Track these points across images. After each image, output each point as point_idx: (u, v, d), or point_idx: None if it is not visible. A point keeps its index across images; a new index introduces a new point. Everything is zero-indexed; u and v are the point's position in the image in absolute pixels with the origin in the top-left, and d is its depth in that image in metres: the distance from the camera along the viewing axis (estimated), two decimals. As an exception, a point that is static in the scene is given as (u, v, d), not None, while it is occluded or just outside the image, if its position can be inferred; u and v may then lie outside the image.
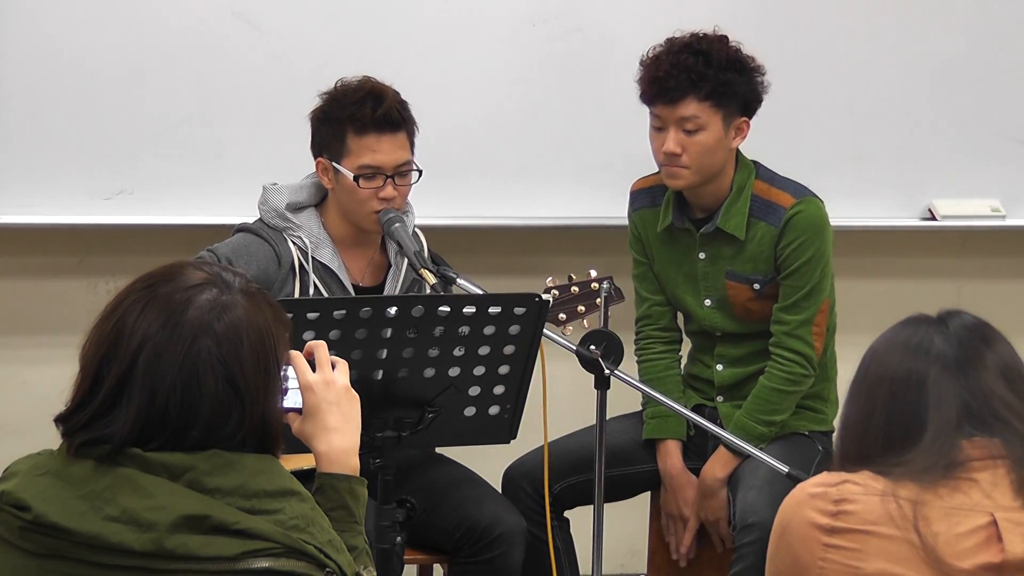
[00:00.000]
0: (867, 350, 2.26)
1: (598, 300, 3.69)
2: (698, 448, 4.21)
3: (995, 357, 2.19)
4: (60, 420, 2.19)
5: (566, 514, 4.22)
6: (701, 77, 3.99)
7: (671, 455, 4.21)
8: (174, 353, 2.15)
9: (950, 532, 2.08)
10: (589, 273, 3.73)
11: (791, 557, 2.14)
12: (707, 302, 4.18)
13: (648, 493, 4.35)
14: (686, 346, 4.36)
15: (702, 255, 4.14)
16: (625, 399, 4.16)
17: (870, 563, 2.09)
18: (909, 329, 2.22)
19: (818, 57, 4.90)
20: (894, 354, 2.19)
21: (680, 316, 4.32)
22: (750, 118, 4.08)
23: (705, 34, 4.08)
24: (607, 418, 3.69)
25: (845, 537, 2.10)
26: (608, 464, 3.71)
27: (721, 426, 4.14)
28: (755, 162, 4.14)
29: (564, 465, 4.08)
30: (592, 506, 3.71)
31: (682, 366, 4.34)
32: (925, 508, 2.09)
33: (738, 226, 4.08)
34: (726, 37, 4.08)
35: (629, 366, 4.06)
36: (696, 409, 4.22)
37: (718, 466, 4.12)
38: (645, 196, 4.23)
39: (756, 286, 4.12)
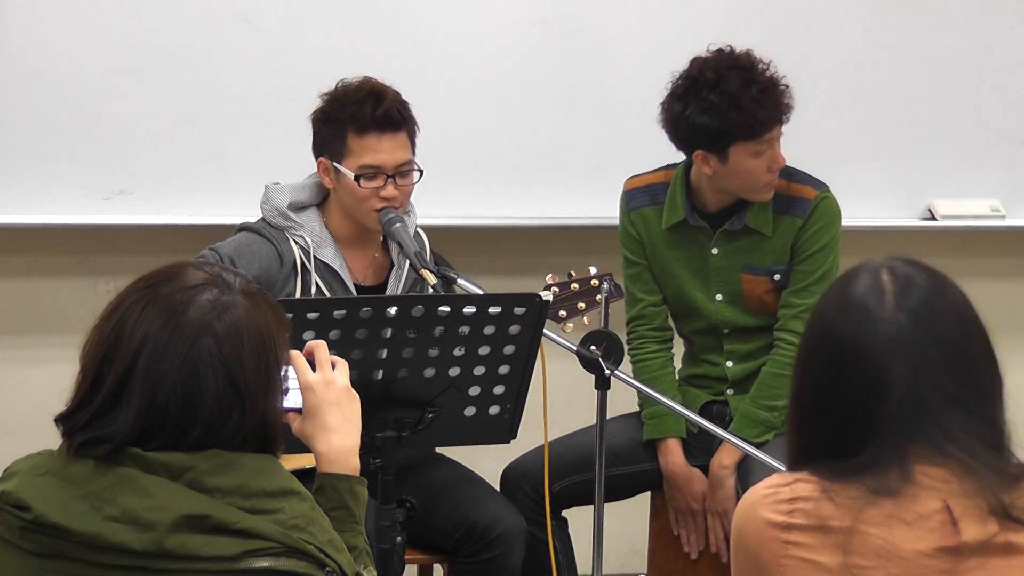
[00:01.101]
0: (819, 313, 2.20)
1: (599, 297, 3.69)
2: (703, 445, 4.22)
3: (953, 333, 2.16)
4: (60, 420, 2.19)
5: (564, 513, 4.22)
6: (788, 90, 4.09)
7: (672, 452, 4.22)
8: (175, 353, 2.15)
9: (903, 518, 2.08)
10: (589, 270, 3.74)
11: (752, 560, 2.14)
12: (718, 297, 4.20)
13: (648, 493, 4.35)
14: (679, 346, 4.37)
15: (715, 250, 4.16)
16: (625, 399, 4.16)
17: (830, 557, 2.09)
18: (870, 298, 2.16)
19: (818, 57, 4.90)
20: (855, 329, 2.14)
21: (672, 317, 4.32)
22: None
23: (748, 52, 4.10)
24: (606, 418, 3.69)
25: (803, 533, 2.10)
26: (608, 463, 3.72)
27: (730, 419, 4.20)
28: None
29: (563, 464, 4.09)
30: (592, 506, 3.71)
31: (676, 368, 4.36)
32: (873, 508, 2.09)
33: (765, 222, 4.13)
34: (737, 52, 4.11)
35: (629, 366, 4.07)
36: (706, 406, 4.25)
37: (724, 454, 4.14)
38: (644, 194, 4.23)
39: (776, 276, 4.15)
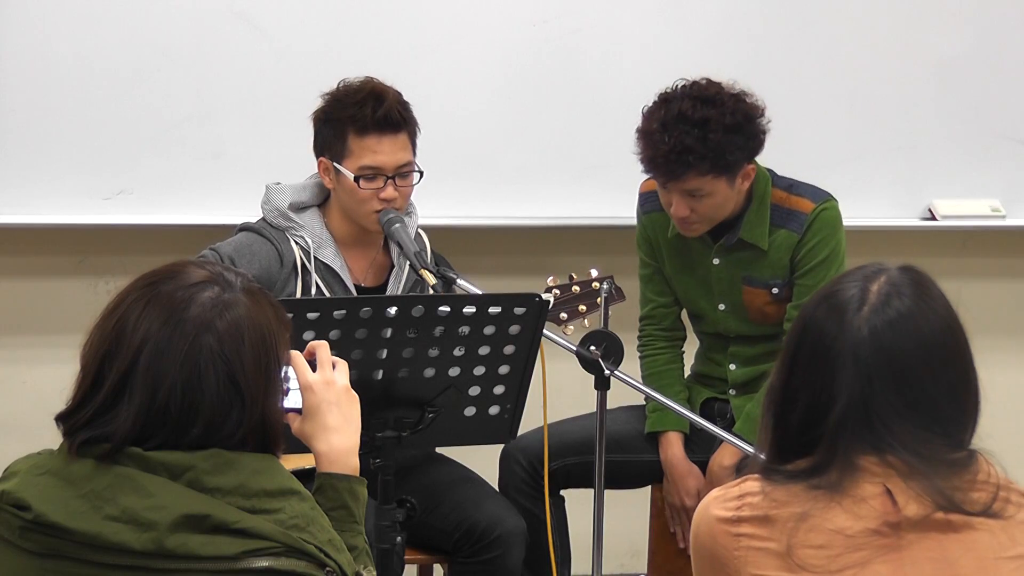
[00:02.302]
0: (809, 301, 2.27)
1: (599, 299, 3.70)
2: (704, 442, 4.22)
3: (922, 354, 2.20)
4: (61, 418, 2.19)
5: (563, 494, 4.22)
6: (700, 157, 3.92)
7: (673, 445, 4.22)
8: (176, 350, 2.15)
9: (842, 503, 2.15)
10: (590, 272, 3.74)
11: (708, 557, 2.23)
12: (721, 306, 4.19)
13: (648, 494, 4.35)
14: (694, 345, 4.38)
15: (716, 261, 4.15)
16: (625, 399, 4.16)
17: (778, 543, 2.16)
18: (851, 303, 2.21)
19: (818, 57, 4.90)
20: (829, 328, 2.21)
21: (687, 315, 4.34)
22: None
23: (700, 93, 3.97)
24: (611, 406, 3.69)
25: (751, 524, 2.18)
26: (608, 449, 3.71)
27: (732, 418, 4.20)
28: (769, 169, 4.14)
29: (562, 444, 4.09)
30: (591, 505, 3.71)
31: (688, 365, 4.36)
32: (814, 497, 2.16)
33: (761, 236, 4.10)
34: (721, 91, 3.98)
35: (629, 366, 4.07)
36: (707, 402, 4.26)
37: (726, 455, 4.14)
38: (655, 198, 4.20)
39: (775, 290, 4.13)
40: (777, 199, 4.12)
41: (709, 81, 4.01)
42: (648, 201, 4.24)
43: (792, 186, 4.14)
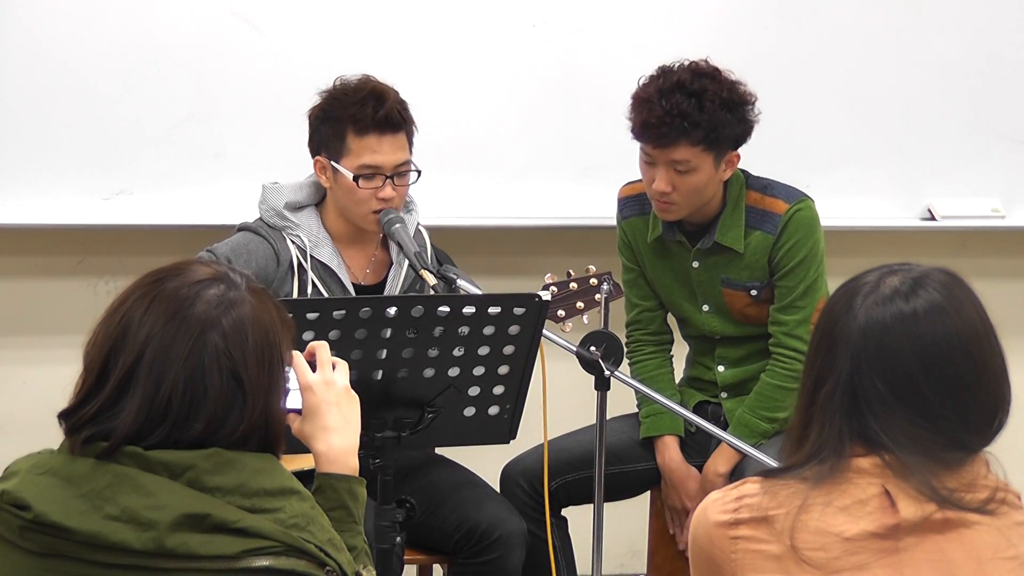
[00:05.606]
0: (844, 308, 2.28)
1: (597, 296, 3.70)
2: (700, 446, 4.22)
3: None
4: (65, 415, 2.19)
5: (565, 513, 4.22)
6: (694, 124, 3.92)
7: (669, 449, 4.22)
8: (180, 346, 2.15)
9: (840, 504, 2.16)
10: (587, 269, 3.74)
11: (706, 561, 2.23)
12: (704, 308, 4.19)
13: (648, 494, 4.35)
14: (684, 348, 4.37)
15: (696, 264, 4.14)
16: (625, 400, 4.16)
17: (776, 545, 2.17)
18: (862, 290, 2.25)
19: (817, 56, 4.90)
20: (837, 310, 2.24)
21: (674, 319, 4.33)
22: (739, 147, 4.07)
23: (699, 68, 3.99)
24: (610, 411, 3.69)
25: (748, 527, 2.19)
26: (605, 462, 3.72)
27: (725, 421, 4.17)
28: (742, 170, 4.12)
29: (560, 463, 4.09)
30: (591, 505, 3.71)
31: (679, 369, 4.35)
32: (811, 497, 2.17)
33: (736, 239, 4.08)
34: (719, 71, 4.00)
35: (628, 368, 4.08)
36: (699, 406, 4.25)
37: (720, 461, 4.13)
38: (633, 204, 4.21)
39: (753, 292, 4.12)
40: (752, 201, 4.10)
41: (708, 62, 4.03)
42: (626, 206, 4.24)
43: (767, 187, 4.12)
